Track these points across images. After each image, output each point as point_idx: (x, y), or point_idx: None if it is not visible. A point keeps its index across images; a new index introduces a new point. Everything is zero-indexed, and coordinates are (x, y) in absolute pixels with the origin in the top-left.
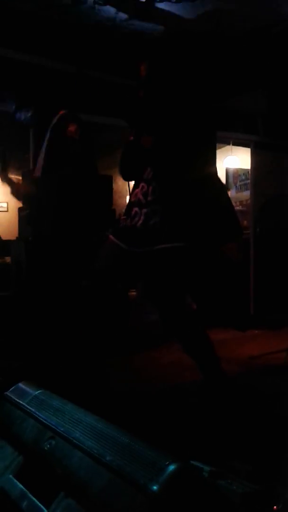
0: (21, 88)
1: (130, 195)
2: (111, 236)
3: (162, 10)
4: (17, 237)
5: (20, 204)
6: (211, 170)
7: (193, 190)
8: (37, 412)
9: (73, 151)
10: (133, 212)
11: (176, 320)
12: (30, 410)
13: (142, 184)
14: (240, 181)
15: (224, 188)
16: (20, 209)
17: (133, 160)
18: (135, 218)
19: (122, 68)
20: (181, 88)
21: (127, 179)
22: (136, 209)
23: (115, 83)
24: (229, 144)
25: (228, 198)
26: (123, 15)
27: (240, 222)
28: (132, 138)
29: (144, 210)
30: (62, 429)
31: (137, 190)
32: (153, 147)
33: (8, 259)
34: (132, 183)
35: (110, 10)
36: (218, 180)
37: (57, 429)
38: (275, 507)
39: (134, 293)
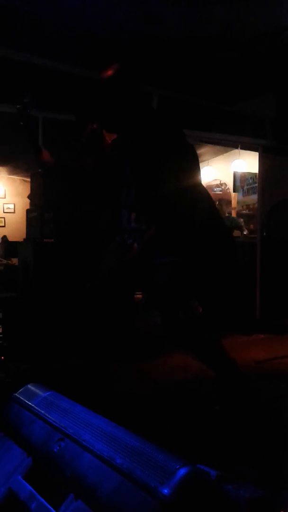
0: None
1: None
2: (116, 238)
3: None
4: (24, 239)
5: (27, 206)
6: (186, 182)
7: (166, 206)
8: (46, 414)
9: None
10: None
11: (175, 328)
12: (39, 411)
13: (122, 210)
14: (247, 185)
15: (202, 198)
16: (28, 211)
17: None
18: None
19: None
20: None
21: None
22: (125, 236)
23: None
24: (237, 148)
25: (208, 208)
26: None
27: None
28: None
29: (131, 237)
30: (71, 431)
31: (122, 216)
32: (130, 172)
33: (15, 260)
34: None
35: None
36: (195, 191)
37: (67, 431)
38: (282, 511)
39: (139, 296)
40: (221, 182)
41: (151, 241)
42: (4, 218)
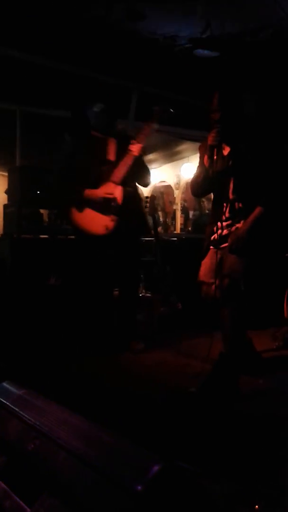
0: None
1: (214, 212)
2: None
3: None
4: (1, 234)
5: (5, 201)
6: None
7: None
8: (21, 412)
9: None
10: (218, 226)
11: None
12: (14, 409)
13: (223, 202)
14: None
15: None
16: (5, 206)
17: (205, 184)
18: (218, 231)
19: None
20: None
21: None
22: (219, 224)
23: None
24: None
25: None
26: None
27: None
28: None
29: (225, 224)
30: (46, 429)
31: (222, 208)
32: (235, 162)
33: None
34: None
35: None
36: None
37: (42, 429)
38: (256, 506)
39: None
40: None
41: (259, 221)
42: None
